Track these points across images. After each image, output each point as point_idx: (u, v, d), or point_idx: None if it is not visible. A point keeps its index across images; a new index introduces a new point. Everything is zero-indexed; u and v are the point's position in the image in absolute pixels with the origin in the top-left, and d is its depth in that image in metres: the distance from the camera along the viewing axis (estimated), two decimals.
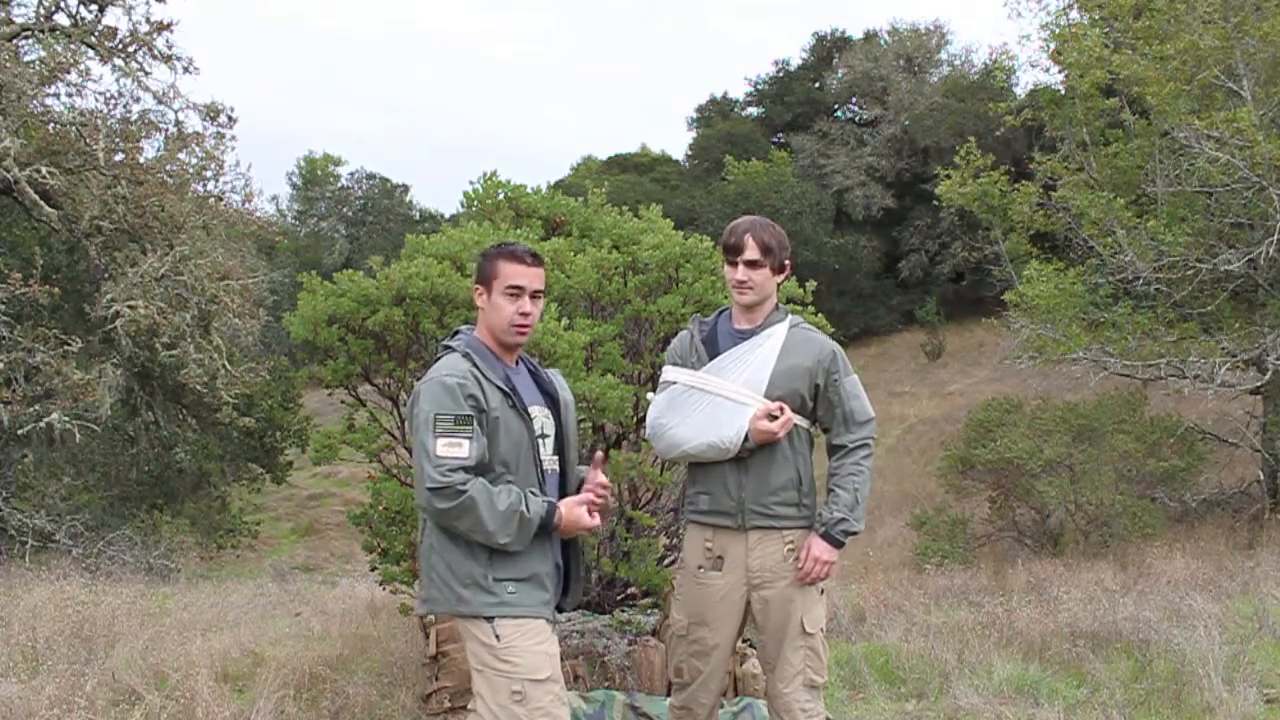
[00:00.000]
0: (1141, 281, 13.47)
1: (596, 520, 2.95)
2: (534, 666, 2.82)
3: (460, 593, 2.85)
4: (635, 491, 5.04)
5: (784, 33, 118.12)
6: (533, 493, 2.88)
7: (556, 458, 3.06)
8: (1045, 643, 5.73)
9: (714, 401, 3.25)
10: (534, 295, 2.96)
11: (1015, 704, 4.75)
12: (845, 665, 5.52)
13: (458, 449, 2.77)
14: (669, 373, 3.40)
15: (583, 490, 3.04)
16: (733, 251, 3.27)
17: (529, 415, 2.95)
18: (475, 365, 2.90)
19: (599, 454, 3.10)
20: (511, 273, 2.94)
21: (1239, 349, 13.10)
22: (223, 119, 13.11)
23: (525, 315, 2.94)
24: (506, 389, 2.91)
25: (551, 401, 3.07)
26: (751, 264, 3.24)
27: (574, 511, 2.92)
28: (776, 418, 3.18)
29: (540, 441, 2.97)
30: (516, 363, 3.05)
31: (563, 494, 3.06)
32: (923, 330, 32.79)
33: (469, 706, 3.11)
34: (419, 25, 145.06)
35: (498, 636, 2.82)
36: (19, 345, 11.66)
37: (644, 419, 4.14)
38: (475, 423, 2.81)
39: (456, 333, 3.06)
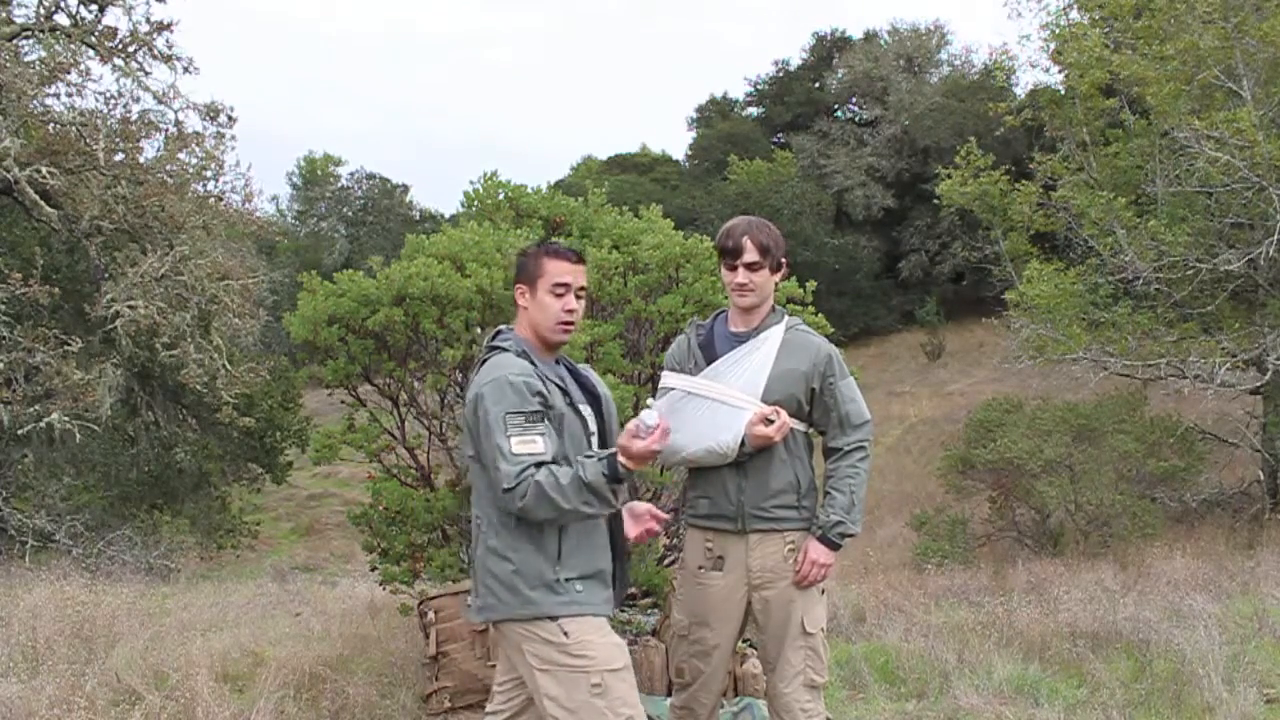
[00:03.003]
0: (1141, 281, 13.47)
1: (654, 443, 2.75)
2: (609, 658, 2.80)
3: (528, 595, 2.80)
4: (635, 492, 5.03)
5: (783, 31, 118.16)
6: (583, 459, 2.80)
7: None
8: (1045, 643, 5.73)
9: (712, 407, 3.24)
10: (578, 293, 2.98)
11: (1015, 704, 4.75)
12: (845, 665, 5.51)
13: (533, 445, 2.75)
14: (667, 378, 3.39)
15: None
16: (731, 254, 3.25)
17: (581, 413, 2.95)
18: (533, 363, 2.89)
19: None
20: (557, 270, 2.94)
21: (1239, 349, 13.10)
22: (222, 119, 13.13)
23: (570, 313, 2.95)
24: (563, 386, 2.91)
25: (592, 398, 3.06)
26: (751, 266, 3.23)
27: (633, 445, 2.73)
28: (772, 422, 3.17)
29: (590, 439, 2.97)
30: (556, 361, 3.06)
31: None
32: (923, 330, 32.79)
33: (487, 709, 3.08)
34: (419, 26, 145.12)
35: (565, 634, 2.78)
36: (19, 345, 11.66)
37: None
38: (546, 419, 2.80)
39: (499, 332, 3.03)
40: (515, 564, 2.82)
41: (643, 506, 3.10)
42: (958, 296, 33.73)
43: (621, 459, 2.73)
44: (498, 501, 2.79)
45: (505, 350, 2.93)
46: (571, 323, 2.97)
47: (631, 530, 3.05)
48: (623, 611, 5.03)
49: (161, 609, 7.54)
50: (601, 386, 3.12)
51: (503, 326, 3.08)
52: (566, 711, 2.76)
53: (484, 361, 2.96)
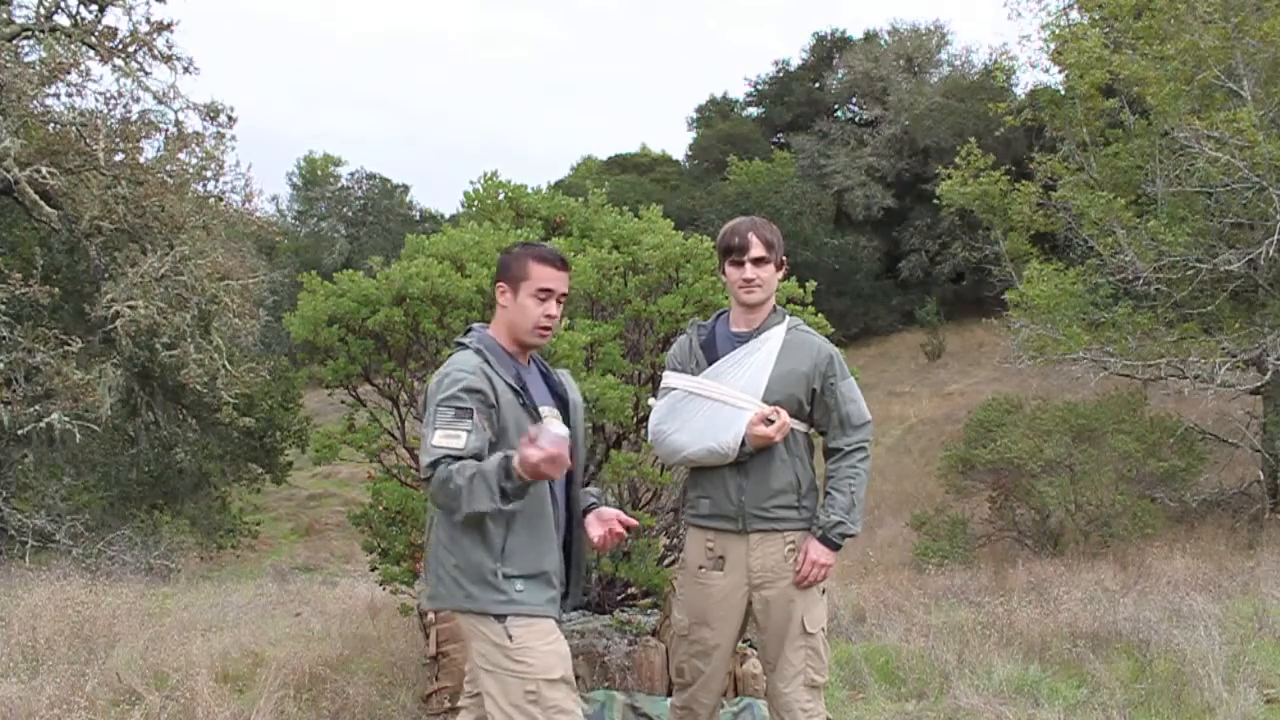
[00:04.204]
0: (1141, 281, 13.47)
1: (557, 463, 2.63)
2: (547, 666, 2.82)
3: (469, 589, 2.84)
4: (635, 491, 5.04)
5: (783, 31, 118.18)
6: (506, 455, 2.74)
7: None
8: (1045, 643, 5.73)
9: (712, 407, 3.24)
10: (559, 299, 2.98)
11: (1015, 704, 4.75)
12: (845, 665, 5.51)
13: (454, 440, 2.76)
14: (668, 379, 3.40)
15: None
16: (738, 251, 3.25)
17: (539, 414, 2.94)
18: (486, 361, 2.90)
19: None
20: (542, 275, 2.94)
21: (1239, 349, 13.10)
22: (223, 119, 13.15)
23: (550, 318, 2.96)
24: (517, 387, 2.91)
25: (561, 403, 3.06)
26: (758, 261, 3.24)
27: (525, 452, 2.62)
28: (773, 422, 3.17)
29: None
30: (528, 362, 3.06)
31: (569, 496, 3.06)
32: (923, 330, 32.78)
33: (459, 704, 3.10)
34: (419, 26, 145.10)
35: (510, 637, 2.81)
36: (19, 345, 11.67)
37: (644, 419, 4.15)
38: (476, 416, 2.80)
39: (470, 329, 3.06)
40: (458, 558, 2.85)
41: (611, 512, 3.08)
42: (958, 296, 33.74)
43: (516, 463, 2.65)
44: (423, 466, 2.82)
45: (466, 347, 2.96)
46: (549, 329, 2.98)
47: (595, 531, 3.03)
48: (623, 611, 5.03)
49: (161, 609, 7.54)
50: (573, 393, 3.11)
51: (474, 324, 3.08)
52: (502, 713, 2.80)
53: (450, 357, 3.00)
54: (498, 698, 2.82)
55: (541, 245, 3.07)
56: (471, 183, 5.61)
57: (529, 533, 2.88)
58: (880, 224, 36.04)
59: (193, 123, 14.56)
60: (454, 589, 2.87)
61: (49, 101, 12.60)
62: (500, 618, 2.82)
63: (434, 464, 2.75)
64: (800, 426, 3.28)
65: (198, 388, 13.22)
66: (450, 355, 2.99)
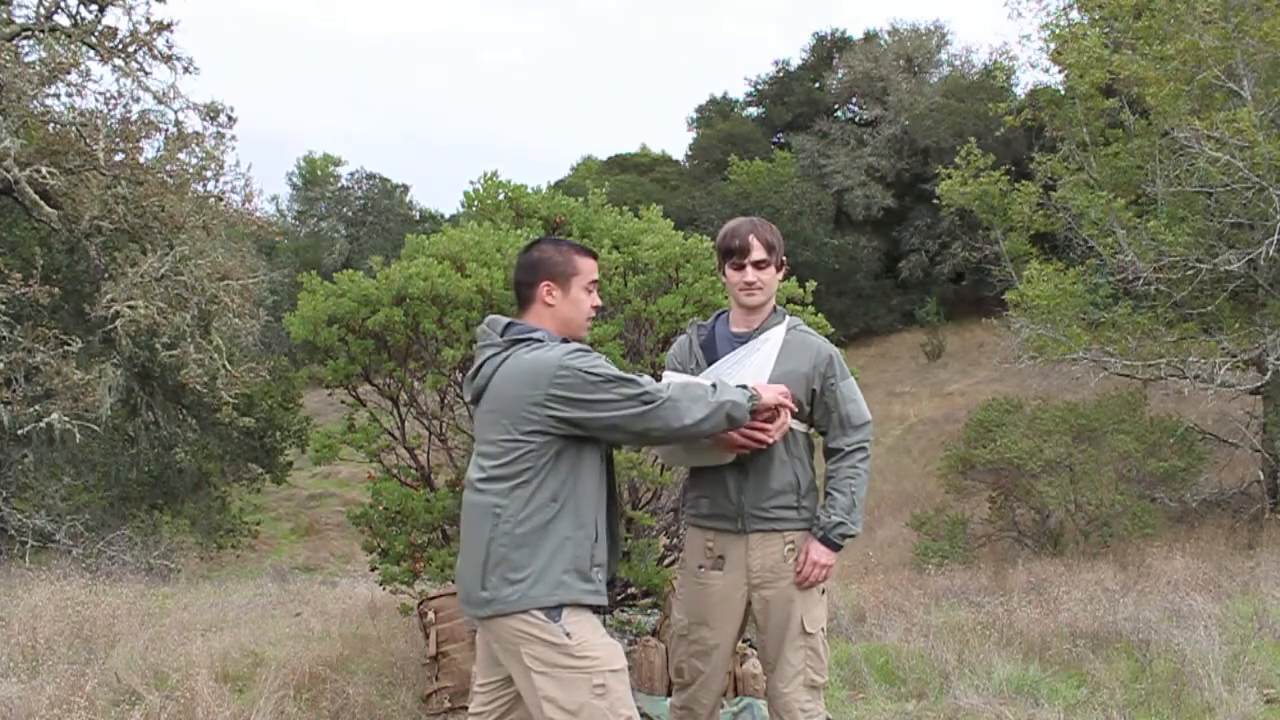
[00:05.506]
0: (1141, 281, 13.46)
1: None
2: (610, 658, 2.79)
3: (562, 579, 2.75)
4: (635, 491, 5.04)
5: (783, 31, 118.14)
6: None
7: None
8: (1045, 643, 5.73)
9: None
10: None
11: (1015, 704, 4.75)
12: (845, 665, 5.51)
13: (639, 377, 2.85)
14: (668, 378, 3.39)
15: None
16: (739, 254, 3.24)
17: None
18: None
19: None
20: (589, 268, 3.01)
21: (1239, 349, 13.10)
22: (222, 119, 13.14)
23: (596, 309, 3.06)
24: None
25: None
26: (758, 264, 3.23)
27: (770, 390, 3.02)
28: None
29: None
30: None
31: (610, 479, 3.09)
32: (923, 330, 32.82)
33: (471, 711, 3.07)
34: (419, 26, 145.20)
35: (568, 634, 2.74)
36: (19, 345, 11.67)
37: None
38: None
39: (511, 324, 2.95)
40: (551, 549, 2.75)
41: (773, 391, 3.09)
42: (958, 296, 33.78)
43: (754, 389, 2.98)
44: (638, 417, 2.78)
45: (542, 343, 2.86)
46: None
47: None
48: (623, 611, 5.03)
49: (161, 609, 7.54)
50: None
51: (511, 320, 2.97)
52: (567, 713, 2.72)
53: (507, 356, 2.86)
54: (560, 700, 2.73)
55: (569, 240, 3.11)
56: (471, 183, 5.63)
57: (604, 526, 2.89)
58: (880, 224, 36.08)
59: (193, 123, 14.59)
60: (535, 587, 2.74)
61: (49, 101, 12.61)
62: (555, 616, 2.75)
63: (638, 381, 2.80)
64: (800, 427, 3.27)
65: (198, 388, 13.23)
66: (523, 351, 2.84)
